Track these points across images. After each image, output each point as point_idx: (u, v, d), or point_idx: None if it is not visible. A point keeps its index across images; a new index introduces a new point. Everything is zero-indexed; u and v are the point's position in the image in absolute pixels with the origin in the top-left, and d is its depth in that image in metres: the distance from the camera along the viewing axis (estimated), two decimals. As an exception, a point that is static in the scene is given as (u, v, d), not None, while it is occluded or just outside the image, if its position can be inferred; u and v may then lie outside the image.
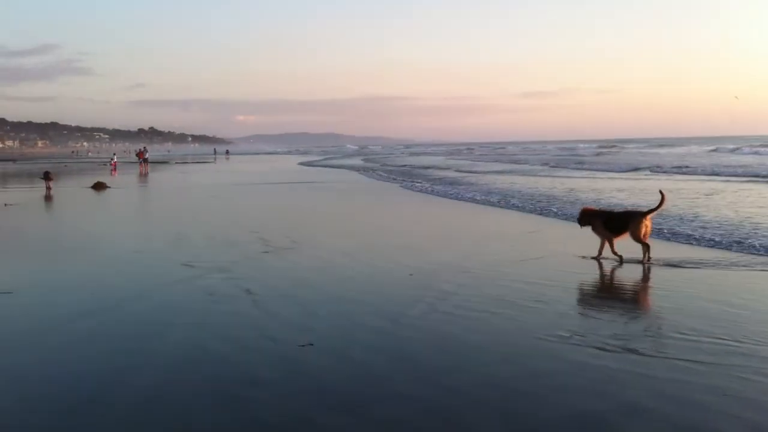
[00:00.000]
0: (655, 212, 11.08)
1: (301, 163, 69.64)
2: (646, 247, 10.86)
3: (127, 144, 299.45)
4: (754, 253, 11.24)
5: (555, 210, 18.46)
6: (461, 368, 6.14)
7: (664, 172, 37.58)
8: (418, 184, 31.82)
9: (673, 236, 13.20)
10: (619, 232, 11.06)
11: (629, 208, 14.21)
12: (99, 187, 32.25)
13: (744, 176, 30.76)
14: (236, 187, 33.82)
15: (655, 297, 8.70)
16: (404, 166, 54.28)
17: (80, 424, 4.99)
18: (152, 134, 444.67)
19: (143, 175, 47.49)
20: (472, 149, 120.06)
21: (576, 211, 13.33)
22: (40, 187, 32.73)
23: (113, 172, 47.98)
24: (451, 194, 25.95)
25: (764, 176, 29.95)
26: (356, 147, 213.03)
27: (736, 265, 10.40)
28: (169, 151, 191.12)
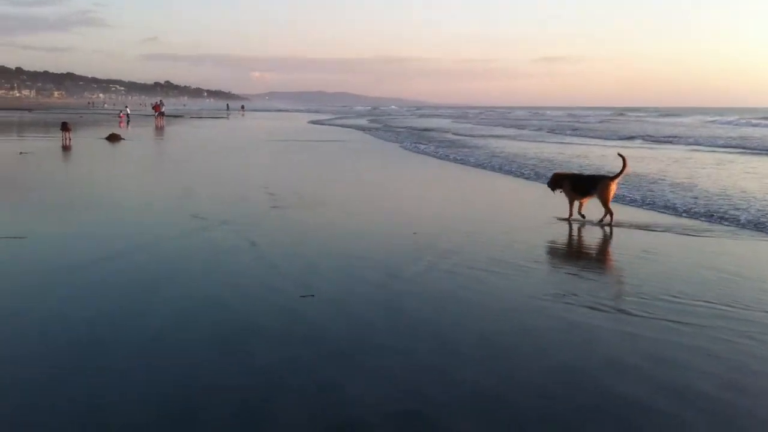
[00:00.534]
0: (619, 177, 11.48)
1: (311, 122, 69.68)
2: (610, 212, 11.34)
3: (143, 97, 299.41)
4: (737, 225, 11.35)
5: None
6: (452, 323, 6.34)
7: (655, 141, 37.93)
8: (420, 146, 32.10)
9: (666, 207, 13.27)
10: (585, 194, 11.62)
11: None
12: (113, 138, 32.50)
13: (721, 147, 32.04)
14: (248, 143, 34.11)
15: (649, 262, 8.82)
16: (406, 128, 54.08)
17: (87, 365, 5.21)
18: (168, 88, 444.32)
19: (159, 128, 47.67)
20: (481, 113, 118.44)
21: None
22: (56, 137, 33.04)
23: (121, 125, 48.07)
24: (447, 156, 26.33)
25: (735, 147, 31.69)
26: (368, 107, 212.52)
27: (726, 235, 10.55)
28: (184, 105, 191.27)
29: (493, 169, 21.30)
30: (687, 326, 6.23)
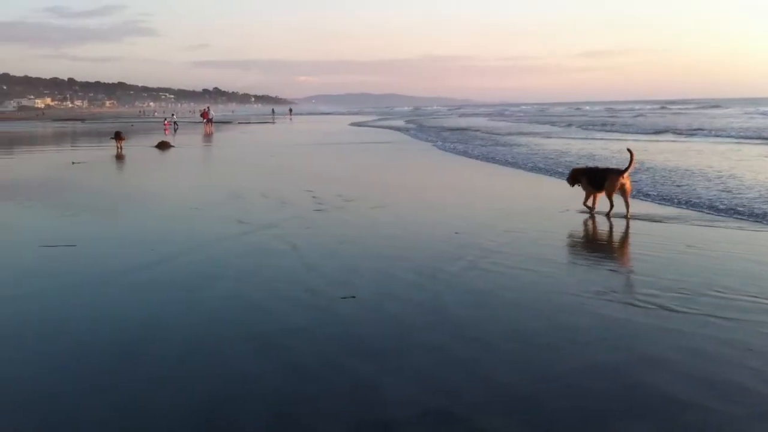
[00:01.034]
0: (628, 170, 11.83)
1: (352, 124, 70.04)
2: (626, 205, 11.73)
3: (191, 104, 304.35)
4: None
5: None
6: (489, 321, 6.36)
7: (682, 134, 37.48)
8: (449, 144, 32.36)
9: (701, 200, 13.05)
10: (600, 187, 12.02)
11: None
12: (163, 146, 33.12)
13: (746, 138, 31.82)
14: (292, 147, 34.47)
15: (693, 256, 8.70)
16: (440, 127, 53.99)
17: (131, 366, 5.39)
18: (216, 94, 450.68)
19: (207, 135, 48.40)
20: (519, 110, 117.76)
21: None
22: (107, 146, 33.86)
23: (166, 132, 48.83)
24: (471, 153, 26.68)
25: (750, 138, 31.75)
26: (410, 108, 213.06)
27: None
28: (232, 111, 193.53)
29: (518, 166, 21.39)
30: (729, 321, 6.15)
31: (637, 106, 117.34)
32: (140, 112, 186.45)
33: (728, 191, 13.93)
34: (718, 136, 34.35)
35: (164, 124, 55.94)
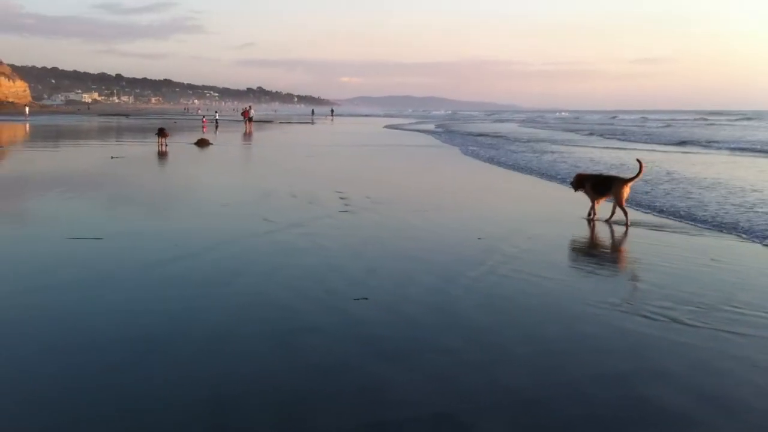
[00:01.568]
0: (635, 180, 12.07)
1: (386, 126, 70.43)
2: (624, 212, 11.95)
3: (235, 102, 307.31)
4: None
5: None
6: (503, 326, 6.41)
7: (696, 145, 37.05)
8: (472, 149, 32.84)
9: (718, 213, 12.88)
10: (603, 194, 12.26)
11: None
12: (202, 143, 33.54)
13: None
14: (328, 148, 34.75)
15: (716, 270, 8.62)
16: (467, 132, 53.85)
17: (146, 360, 5.55)
18: (260, 93, 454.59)
19: (247, 134, 48.86)
20: (552, 118, 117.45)
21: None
22: (148, 142, 34.38)
23: (204, 129, 49.30)
24: (483, 156, 27.63)
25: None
26: (447, 112, 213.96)
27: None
28: (275, 111, 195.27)
29: (531, 172, 21.51)
30: (741, 337, 6.12)
31: (675, 116, 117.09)
32: (185, 109, 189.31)
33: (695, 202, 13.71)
34: (726, 148, 34.14)
35: (202, 122, 56.55)
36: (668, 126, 69.26)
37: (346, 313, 6.75)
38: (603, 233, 11.31)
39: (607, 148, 34.71)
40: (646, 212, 13.11)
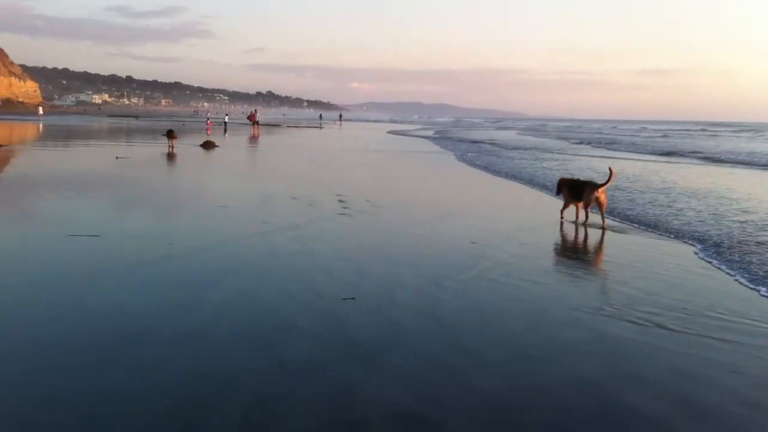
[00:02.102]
0: (606, 185, 12.48)
1: (389, 132, 70.77)
2: (586, 215, 12.60)
3: (245, 106, 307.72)
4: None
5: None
6: (484, 331, 6.42)
7: (684, 156, 36.82)
8: (467, 155, 33.14)
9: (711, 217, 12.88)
10: (578, 198, 12.72)
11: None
12: (208, 146, 33.65)
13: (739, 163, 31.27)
14: (332, 152, 34.87)
15: (706, 277, 8.64)
16: (463, 139, 53.92)
17: (124, 357, 5.59)
18: (269, 98, 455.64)
19: (253, 137, 48.97)
20: (554, 126, 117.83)
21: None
22: (154, 143, 34.50)
23: (208, 131, 49.34)
24: (477, 163, 27.78)
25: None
26: (451, 119, 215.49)
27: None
28: (284, 115, 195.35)
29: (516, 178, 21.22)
30: (724, 343, 6.14)
31: (678, 127, 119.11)
32: (195, 111, 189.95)
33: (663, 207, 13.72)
34: (707, 158, 34.13)
35: (206, 124, 56.61)
36: (664, 136, 69.36)
37: (330, 314, 6.77)
38: (595, 241, 11.32)
39: (592, 156, 34.80)
40: (624, 220, 13.12)
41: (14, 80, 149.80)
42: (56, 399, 4.73)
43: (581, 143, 51.04)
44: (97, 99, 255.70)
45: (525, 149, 39.20)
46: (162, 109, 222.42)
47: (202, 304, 6.96)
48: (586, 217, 12.59)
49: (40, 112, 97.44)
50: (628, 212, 14.03)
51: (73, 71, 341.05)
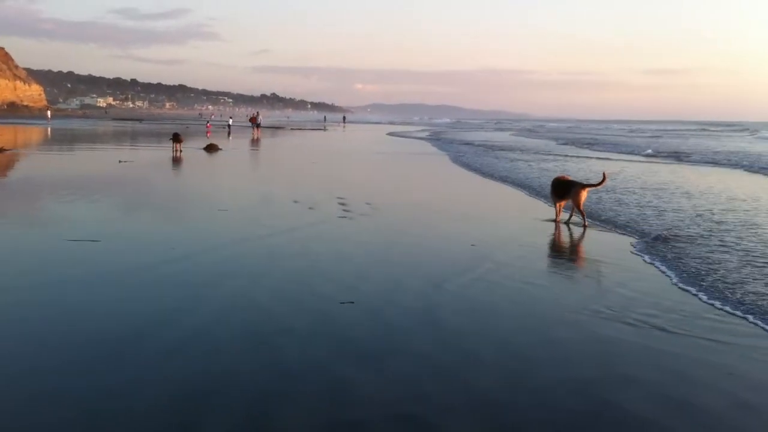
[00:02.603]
0: (593, 187, 13.04)
1: (389, 134, 71.00)
2: (582, 216, 12.73)
3: (249, 108, 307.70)
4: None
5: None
6: (481, 333, 6.44)
7: (665, 156, 36.80)
8: (459, 156, 33.29)
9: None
10: (562, 197, 12.99)
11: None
12: (211, 149, 33.64)
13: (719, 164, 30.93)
14: (334, 154, 35.00)
15: (707, 277, 8.61)
16: (455, 140, 54.32)
17: (122, 359, 5.64)
18: (274, 100, 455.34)
19: (255, 140, 49.01)
20: (552, 127, 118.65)
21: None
22: (159, 147, 34.53)
23: (208, 134, 49.32)
24: (467, 163, 28.20)
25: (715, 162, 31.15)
26: (451, 120, 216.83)
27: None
28: (288, 117, 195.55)
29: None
30: (722, 345, 6.16)
31: (676, 127, 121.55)
32: (199, 114, 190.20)
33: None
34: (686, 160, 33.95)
35: (206, 126, 56.64)
36: (655, 137, 69.25)
37: (328, 316, 6.81)
38: (595, 242, 11.32)
39: (569, 156, 34.67)
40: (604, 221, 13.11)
41: (19, 84, 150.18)
42: (58, 397, 4.78)
43: (566, 144, 51.14)
44: (101, 102, 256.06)
45: (512, 150, 39.34)
46: (166, 112, 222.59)
47: (202, 307, 7.00)
48: (582, 216, 12.71)
49: (49, 115, 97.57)
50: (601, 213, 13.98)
51: (77, 74, 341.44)
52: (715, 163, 31.09)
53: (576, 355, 5.90)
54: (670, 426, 4.55)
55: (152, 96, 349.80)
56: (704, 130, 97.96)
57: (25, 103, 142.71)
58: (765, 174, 24.94)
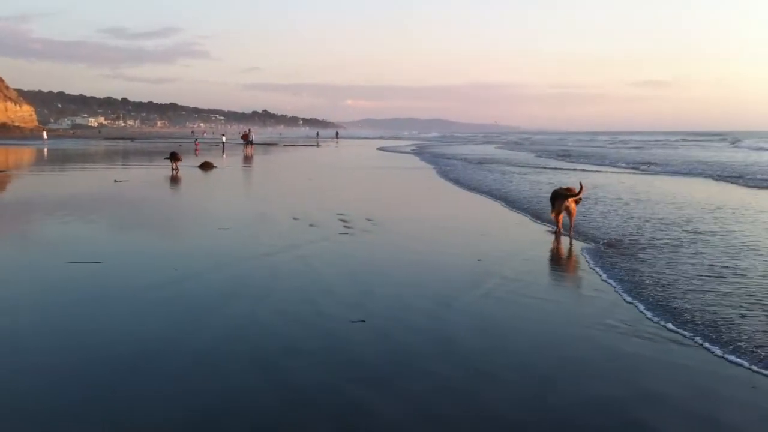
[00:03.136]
0: (576, 197, 12.89)
1: (379, 148, 71.09)
2: (570, 225, 12.88)
3: (241, 126, 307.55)
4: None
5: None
6: (494, 352, 6.32)
7: (631, 166, 37.15)
8: (444, 169, 33.66)
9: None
10: (553, 207, 13.12)
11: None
12: (206, 167, 33.44)
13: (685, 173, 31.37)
14: (329, 170, 34.87)
15: (723, 290, 8.52)
16: (437, 154, 55.04)
17: (134, 379, 5.50)
18: (265, 117, 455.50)
19: (247, 157, 48.86)
20: (538, 140, 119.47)
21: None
22: (152, 165, 34.34)
23: (196, 152, 49.18)
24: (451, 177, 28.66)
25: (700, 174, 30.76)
26: (438, 134, 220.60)
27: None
28: (280, 134, 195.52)
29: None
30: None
31: (659, 138, 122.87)
32: (191, 132, 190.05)
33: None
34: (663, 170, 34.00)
35: (195, 144, 56.45)
36: (637, 148, 69.61)
37: (336, 336, 6.68)
38: (606, 255, 11.20)
39: (544, 168, 34.81)
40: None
41: (10, 105, 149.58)
42: (63, 419, 4.65)
43: (541, 156, 51.50)
44: (93, 122, 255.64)
45: (492, 163, 39.64)
46: (158, 131, 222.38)
47: (209, 328, 6.87)
48: (571, 226, 12.87)
49: (45, 136, 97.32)
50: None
51: (68, 94, 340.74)
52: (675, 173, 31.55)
53: (594, 371, 5.79)
54: (699, 445, 4.45)
55: (143, 115, 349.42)
56: (684, 140, 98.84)
57: (17, 124, 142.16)
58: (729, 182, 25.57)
